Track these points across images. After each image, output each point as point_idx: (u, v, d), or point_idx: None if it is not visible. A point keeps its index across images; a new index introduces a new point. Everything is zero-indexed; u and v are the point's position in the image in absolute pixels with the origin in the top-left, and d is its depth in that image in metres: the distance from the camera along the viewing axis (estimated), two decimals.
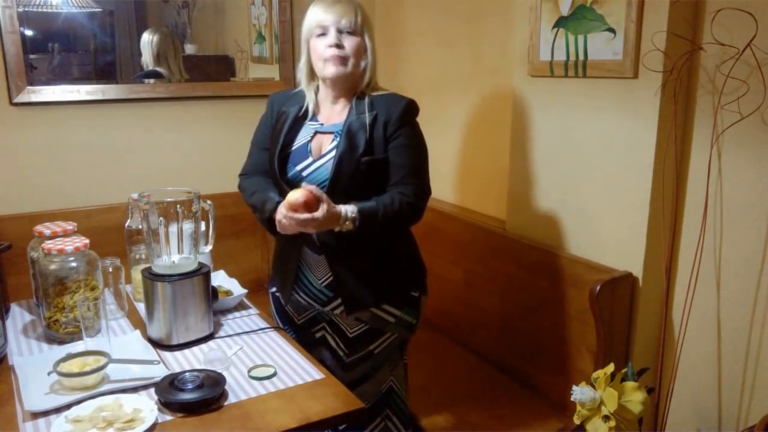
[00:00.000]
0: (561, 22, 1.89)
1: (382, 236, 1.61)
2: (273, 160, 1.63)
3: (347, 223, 1.47)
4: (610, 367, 1.56)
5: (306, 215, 1.43)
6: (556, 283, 1.96)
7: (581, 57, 1.84)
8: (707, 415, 1.77)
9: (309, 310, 1.73)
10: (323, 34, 1.56)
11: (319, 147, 1.61)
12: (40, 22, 2.40)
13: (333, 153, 1.57)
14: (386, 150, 1.56)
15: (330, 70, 1.56)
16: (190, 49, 2.73)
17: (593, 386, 1.56)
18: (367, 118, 1.56)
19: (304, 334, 1.76)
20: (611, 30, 1.74)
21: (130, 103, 2.54)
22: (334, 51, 1.54)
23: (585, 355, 1.86)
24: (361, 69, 1.59)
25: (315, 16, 1.57)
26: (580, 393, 1.53)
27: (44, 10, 2.40)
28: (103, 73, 2.54)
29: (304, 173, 1.60)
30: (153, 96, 2.58)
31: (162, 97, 2.60)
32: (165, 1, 2.66)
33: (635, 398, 1.54)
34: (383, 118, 1.57)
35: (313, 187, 1.45)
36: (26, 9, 2.33)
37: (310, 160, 1.60)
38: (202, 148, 2.70)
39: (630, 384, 1.56)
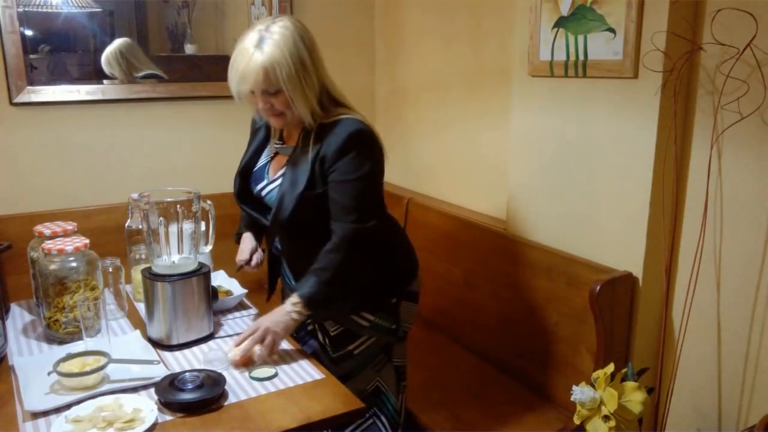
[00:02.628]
0: (561, 22, 1.89)
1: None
2: (235, 182, 1.69)
3: (294, 314, 1.51)
4: (610, 367, 1.56)
5: (251, 346, 1.49)
6: (556, 283, 1.96)
7: (581, 57, 1.84)
8: (707, 415, 1.77)
9: None
10: (252, 94, 1.50)
11: (276, 168, 1.63)
12: (40, 22, 2.39)
13: (280, 181, 1.59)
14: (324, 184, 1.53)
15: (274, 124, 1.59)
16: (190, 49, 2.73)
17: (593, 386, 1.56)
18: (311, 151, 1.53)
19: (301, 325, 1.77)
20: (611, 30, 1.74)
21: (130, 103, 2.54)
22: (269, 112, 1.53)
23: (585, 355, 1.86)
24: (300, 112, 1.51)
25: (234, 83, 1.49)
26: (580, 393, 1.53)
27: (44, 10, 2.40)
28: (103, 73, 2.53)
29: (263, 193, 1.63)
30: (153, 96, 2.58)
31: (162, 97, 2.60)
32: (165, 1, 2.66)
33: (635, 398, 1.54)
34: (323, 152, 1.51)
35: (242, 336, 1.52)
36: (26, 9, 2.33)
37: (266, 181, 1.63)
38: (201, 148, 2.70)
39: (630, 384, 1.56)
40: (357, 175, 1.51)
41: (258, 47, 1.44)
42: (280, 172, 1.59)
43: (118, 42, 2.54)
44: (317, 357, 1.65)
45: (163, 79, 2.64)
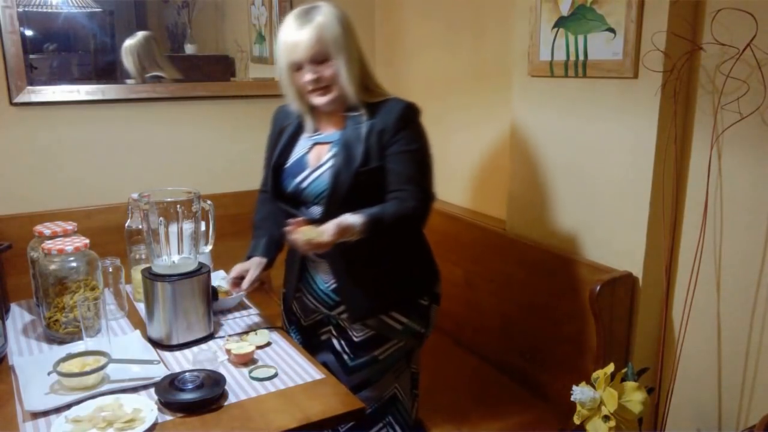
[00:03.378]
0: (561, 22, 1.89)
1: (389, 242, 1.59)
2: (269, 179, 1.64)
3: (356, 232, 1.43)
4: (610, 367, 1.56)
5: (310, 244, 1.39)
6: (556, 283, 1.96)
7: (581, 57, 1.84)
8: (707, 415, 1.77)
9: (316, 313, 1.72)
10: (299, 69, 1.53)
11: (317, 157, 1.60)
12: (40, 22, 2.40)
13: (330, 163, 1.55)
14: (381, 158, 1.53)
15: (317, 101, 1.56)
16: (190, 49, 2.73)
17: (593, 386, 1.56)
18: (363, 128, 1.54)
19: (309, 336, 1.75)
20: (611, 30, 1.74)
21: (130, 103, 2.54)
22: (315, 85, 1.52)
23: (585, 355, 1.86)
24: (348, 85, 1.54)
25: (284, 54, 1.53)
26: (580, 393, 1.53)
27: (44, 10, 2.40)
28: (103, 73, 2.54)
29: (303, 185, 1.58)
30: (153, 96, 2.58)
31: (162, 97, 2.60)
32: (165, 1, 2.66)
33: (635, 398, 1.54)
34: (380, 126, 1.53)
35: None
36: (26, 9, 2.33)
37: (308, 171, 1.59)
38: (202, 148, 2.70)
39: (630, 384, 1.56)
40: (418, 146, 1.57)
41: (306, 17, 1.50)
42: (328, 155, 1.57)
43: (138, 36, 2.57)
44: (328, 368, 1.61)
45: (165, 79, 2.64)
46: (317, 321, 1.73)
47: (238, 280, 1.67)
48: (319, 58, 1.50)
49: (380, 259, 1.60)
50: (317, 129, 1.64)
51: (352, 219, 1.44)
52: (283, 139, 1.66)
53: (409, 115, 1.57)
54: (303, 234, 1.40)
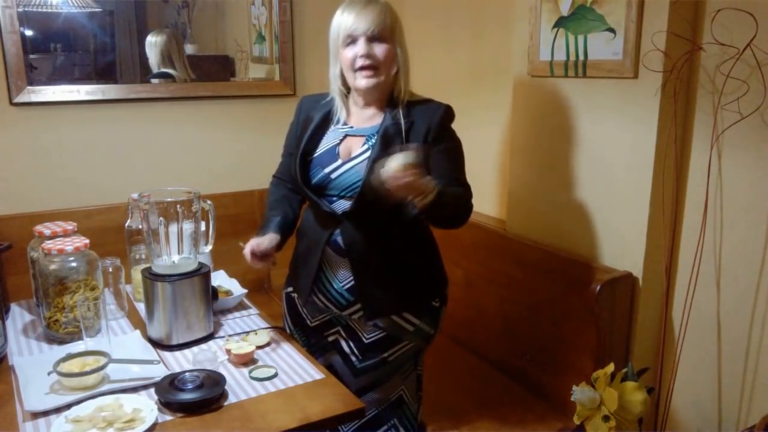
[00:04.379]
0: (561, 22, 1.89)
1: (407, 242, 1.60)
2: (295, 167, 1.61)
3: (430, 195, 1.36)
4: (610, 367, 1.56)
5: (407, 179, 1.32)
6: (556, 283, 1.96)
7: (581, 57, 1.84)
8: (707, 415, 1.77)
9: (325, 313, 1.69)
10: (352, 43, 1.52)
11: (348, 150, 1.58)
12: (40, 22, 2.40)
13: (365, 155, 1.54)
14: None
15: (362, 81, 1.53)
16: (190, 49, 2.73)
17: (593, 386, 1.56)
18: (403, 124, 1.53)
19: (316, 337, 1.73)
20: (611, 30, 1.74)
21: (130, 103, 2.54)
22: (365, 61, 1.50)
23: (585, 355, 1.86)
24: (393, 74, 1.55)
25: (343, 24, 1.52)
26: (580, 393, 1.53)
27: (44, 10, 2.40)
28: (103, 73, 2.54)
29: (333, 176, 1.56)
30: (153, 96, 2.58)
31: (162, 97, 2.60)
32: (165, 1, 2.66)
33: (635, 398, 1.54)
34: (424, 125, 1.53)
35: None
36: (26, 9, 2.33)
37: (339, 162, 1.57)
38: (202, 148, 2.70)
39: (630, 384, 1.56)
40: (458, 145, 1.58)
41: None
42: (362, 148, 1.56)
43: (159, 32, 2.61)
44: (333, 372, 1.60)
45: (172, 79, 2.64)
46: (325, 322, 1.71)
47: (256, 251, 1.61)
48: (377, 36, 1.50)
49: (398, 259, 1.59)
50: (346, 122, 1.63)
51: (430, 180, 1.37)
52: (310, 128, 1.63)
53: (452, 116, 1.60)
54: (396, 161, 1.31)
